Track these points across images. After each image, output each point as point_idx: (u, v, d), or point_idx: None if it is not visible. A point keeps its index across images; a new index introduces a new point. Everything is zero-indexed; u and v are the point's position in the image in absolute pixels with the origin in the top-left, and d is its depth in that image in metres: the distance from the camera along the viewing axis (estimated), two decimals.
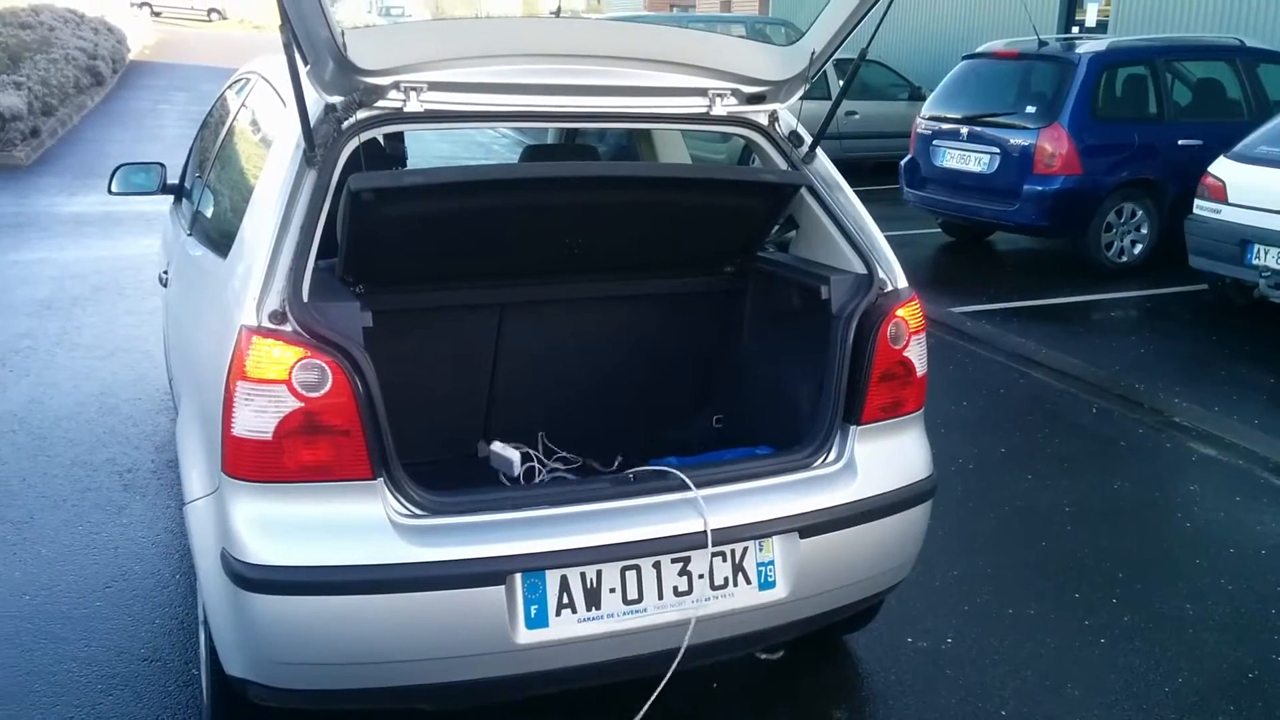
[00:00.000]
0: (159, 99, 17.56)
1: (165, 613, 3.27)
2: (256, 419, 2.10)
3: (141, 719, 2.77)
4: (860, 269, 2.70)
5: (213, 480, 2.26)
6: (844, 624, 2.97)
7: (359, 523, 2.14)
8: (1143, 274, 7.92)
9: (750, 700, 2.94)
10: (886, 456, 2.58)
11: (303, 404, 2.10)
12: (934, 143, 8.59)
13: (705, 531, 2.25)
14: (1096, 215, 7.80)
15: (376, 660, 2.18)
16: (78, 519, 3.84)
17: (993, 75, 8.63)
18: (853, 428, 2.54)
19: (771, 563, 2.39)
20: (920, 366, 2.66)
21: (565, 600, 2.22)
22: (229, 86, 3.99)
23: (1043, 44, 8.37)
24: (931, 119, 8.72)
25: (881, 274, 2.68)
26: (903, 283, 2.70)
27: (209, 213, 3.20)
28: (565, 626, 2.21)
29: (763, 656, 3.08)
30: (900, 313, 2.61)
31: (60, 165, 11.99)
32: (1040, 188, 7.69)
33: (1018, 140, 7.87)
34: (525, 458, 2.91)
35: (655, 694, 2.33)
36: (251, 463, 2.13)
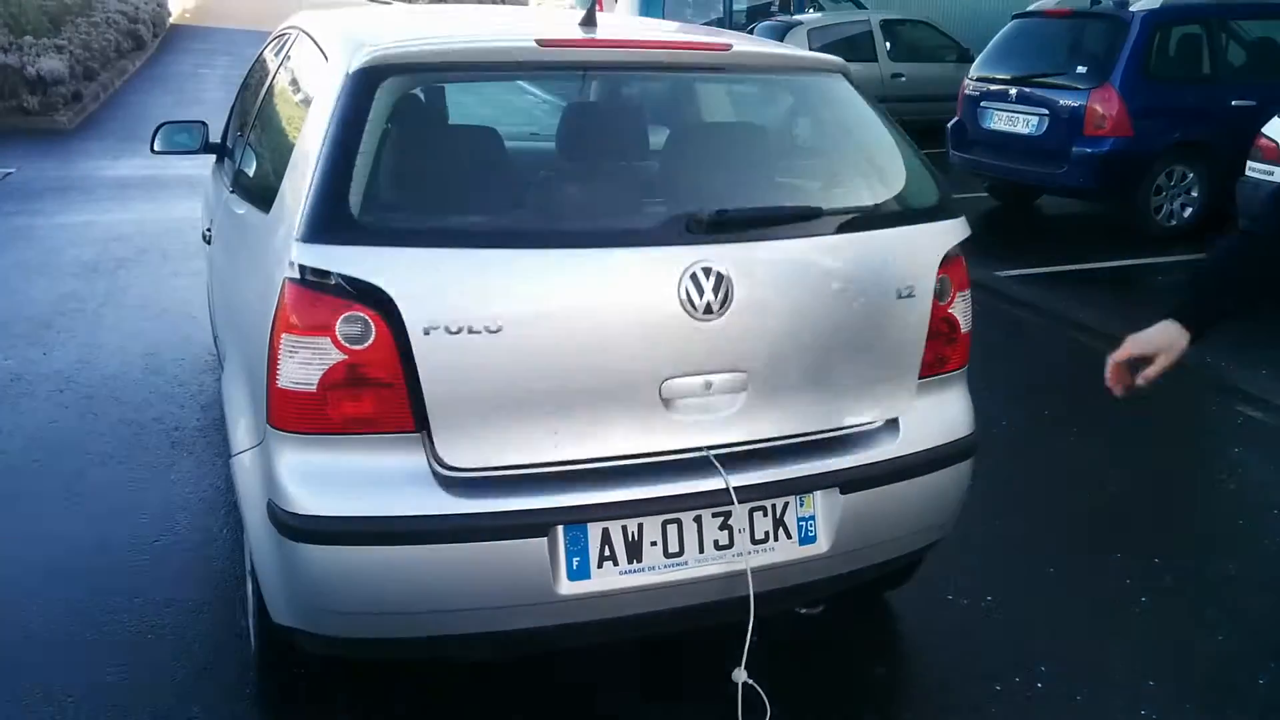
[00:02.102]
0: (200, 63, 17.66)
1: (212, 566, 3.31)
2: (301, 371, 2.10)
3: (189, 667, 2.81)
4: (939, 201, 2.63)
5: (258, 433, 2.27)
6: (884, 581, 2.96)
7: (402, 474, 2.13)
8: (1192, 238, 7.74)
9: (792, 655, 2.94)
10: (929, 413, 2.53)
11: (346, 356, 2.08)
12: (982, 104, 8.44)
13: (729, 489, 2.24)
14: (1146, 178, 7.64)
15: (419, 610, 2.20)
16: (126, 476, 3.90)
17: (1043, 35, 8.44)
18: (914, 379, 2.49)
19: (813, 518, 2.36)
20: (965, 324, 2.61)
21: (607, 553, 2.21)
22: (269, 43, 3.98)
23: (1095, 2, 8.17)
24: (980, 80, 8.56)
25: (958, 212, 2.63)
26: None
27: (251, 170, 3.18)
28: (607, 578, 2.21)
29: (803, 611, 3.04)
30: (946, 269, 2.53)
31: (103, 129, 12.12)
32: (1090, 150, 7.53)
33: (1067, 101, 7.70)
34: None
35: (748, 640, 2.29)
36: (296, 415, 2.13)
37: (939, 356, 2.55)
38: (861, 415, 2.45)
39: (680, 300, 2.19)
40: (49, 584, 3.18)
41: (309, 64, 2.91)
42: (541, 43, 2.42)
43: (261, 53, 4.09)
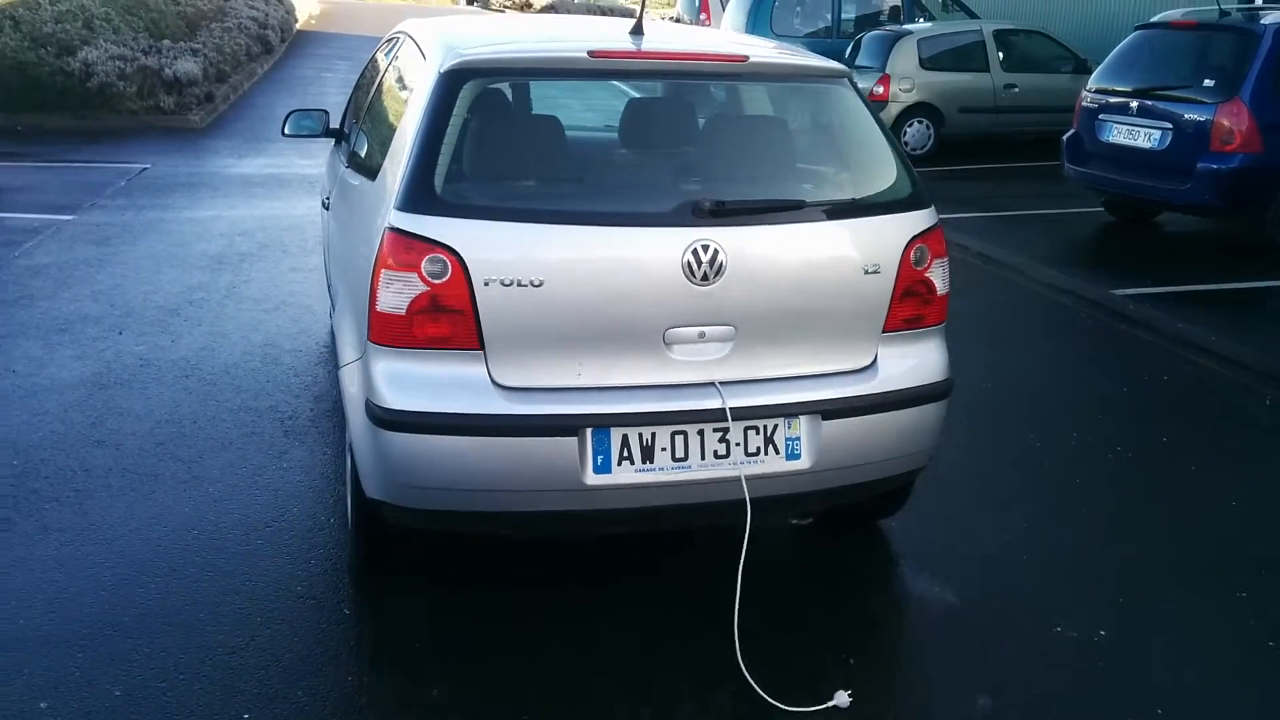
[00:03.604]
0: (323, 67, 18.26)
1: (320, 554, 3.43)
2: (394, 299, 2.69)
3: (295, 651, 2.92)
4: (914, 193, 3.11)
5: (360, 348, 2.87)
6: (875, 509, 3.52)
7: (468, 382, 2.71)
8: None
9: (892, 679, 2.89)
10: (906, 360, 3.04)
11: (429, 288, 2.67)
12: (1100, 117, 8.18)
13: (725, 409, 2.77)
14: (1276, 196, 7.30)
15: (477, 488, 2.76)
16: (242, 461, 4.06)
17: (1167, 47, 8.14)
18: (879, 335, 3.00)
19: (798, 438, 2.88)
20: (941, 286, 3.11)
21: (625, 454, 2.75)
22: (381, 45, 4.50)
23: (1224, 14, 7.85)
24: (1099, 92, 8.30)
25: (929, 203, 3.13)
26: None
27: (362, 151, 3.69)
28: (624, 474, 2.75)
29: (794, 522, 3.63)
30: (924, 239, 3.02)
31: (231, 129, 12.63)
32: (1216, 166, 7.24)
33: (1193, 115, 7.42)
34: None
35: (746, 537, 2.78)
36: (389, 333, 2.71)
37: (916, 314, 3.05)
38: (831, 363, 2.97)
39: (682, 269, 2.75)
40: (167, 563, 3.33)
41: (411, 63, 3.45)
42: (591, 53, 2.97)
43: (375, 53, 4.62)
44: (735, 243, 2.79)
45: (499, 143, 3.08)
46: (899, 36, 11.82)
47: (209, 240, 7.41)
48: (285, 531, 3.56)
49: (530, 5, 36.77)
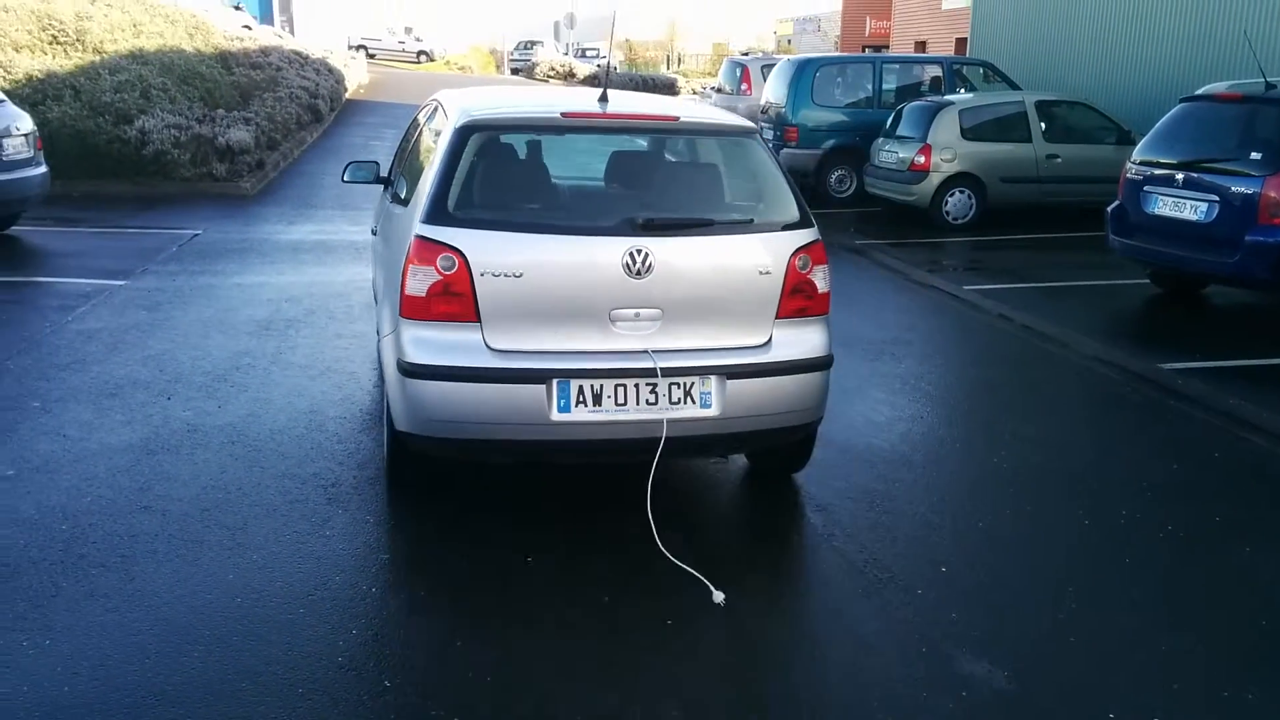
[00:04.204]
0: (370, 135, 18.67)
1: (362, 623, 3.43)
2: (418, 285, 3.79)
3: None
4: (801, 214, 4.17)
5: (394, 323, 3.96)
6: (786, 463, 4.63)
7: (469, 345, 3.80)
8: None
9: None
10: (794, 339, 4.07)
11: (441, 278, 3.77)
12: (1145, 189, 8.15)
13: (656, 369, 3.81)
14: None
15: (473, 421, 3.81)
16: (286, 528, 4.09)
17: (1213, 119, 8.13)
18: (773, 320, 4.03)
19: (709, 393, 3.91)
20: (822, 286, 4.12)
21: (580, 398, 3.80)
22: (421, 109, 5.59)
23: (1270, 86, 7.84)
24: (1143, 164, 8.28)
25: (813, 223, 4.18)
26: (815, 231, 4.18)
27: (402, 190, 4.68)
28: (580, 414, 3.80)
29: (713, 462, 4.83)
30: (806, 250, 4.07)
31: (281, 195, 12.91)
32: (1265, 239, 7.17)
33: (1240, 188, 7.37)
34: None
35: (654, 466, 3.87)
36: (413, 310, 3.82)
37: (801, 307, 4.07)
38: (736, 339, 3.99)
39: (622, 267, 3.81)
40: (211, 631, 3.35)
41: (438, 122, 4.59)
42: (563, 114, 4.14)
43: (416, 115, 5.72)
44: (661, 249, 3.86)
45: (494, 176, 4.18)
46: (940, 107, 11.90)
47: (257, 306, 7.55)
48: (327, 600, 3.56)
49: (573, 75, 37.49)
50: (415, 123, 5.55)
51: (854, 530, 4.23)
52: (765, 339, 4.01)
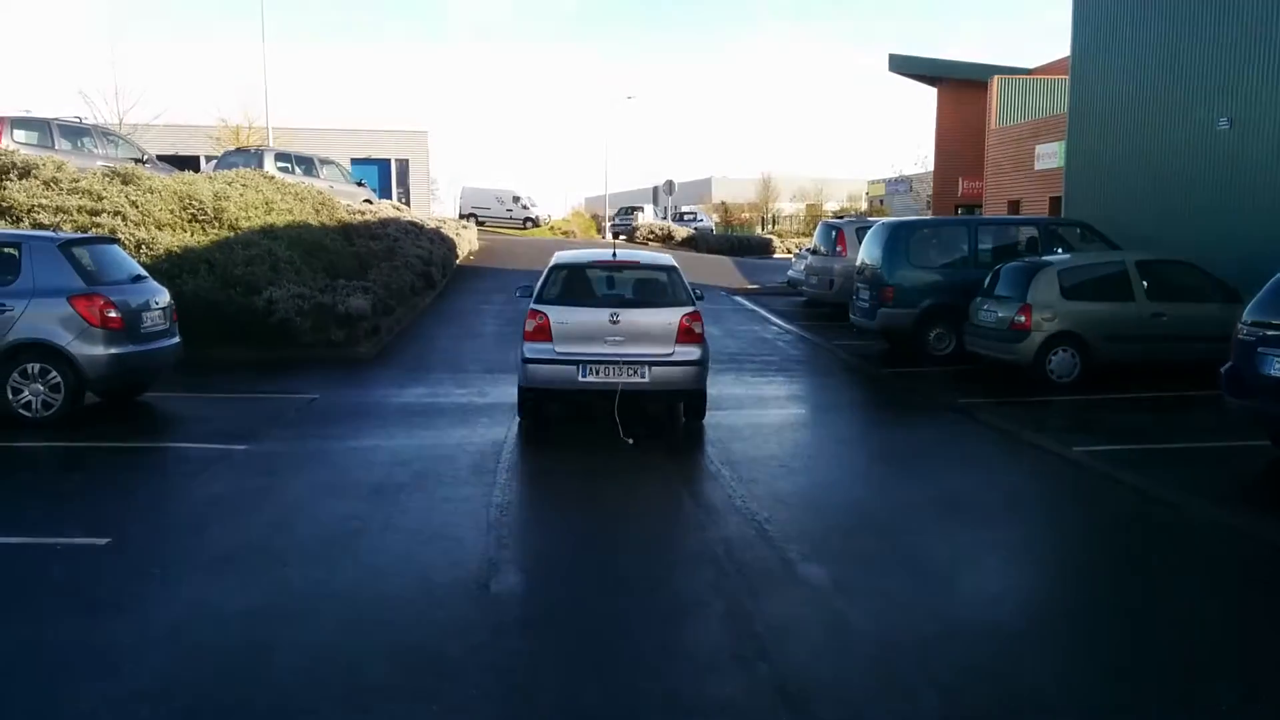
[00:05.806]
0: (480, 300, 19.46)
1: None
2: (530, 324, 9.28)
3: None
4: (689, 300, 9.58)
5: (520, 342, 9.50)
6: (688, 410, 9.98)
7: (548, 350, 9.20)
8: None
9: None
10: (683, 352, 9.25)
11: (540, 321, 9.25)
12: (1259, 350, 7.96)
13: (623, 363, 9.18)
14: None
15: (548, 380, 9.28)
16: (395, 705, 4.14)
17: None
18: (674, 342, 9.23)
19: (646, 373, 9.14)
20: (698, 330, 9.35)
21: (590, 372, 9.12)
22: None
23: None
24: (1255, 325, 8.11)
25: (695, 305, 9.56)
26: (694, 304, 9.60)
27: (528, 293, 10.19)
28: (590, 378, 9.14)
29: (650, 406, 10.11)
30: (690, 316, 9.36)
31: (395, 359, 13.48)
32: None
33: None
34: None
35: (617, 398, 9.13)
36: (528, 336, 9.27)
37: (686, 338, 9.26)
38: (659, 350, 9.19)
39: (608, 319, 9.24)
40: None
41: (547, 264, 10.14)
42: (592, 262, 10.01)
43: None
44: (626, 313, 9.26)
45: (559, 284, 9.52)
46: (1039, 268, 11.92)
47: (369, 469, 7.82)
48: None
49: (671, 238, 38.69)
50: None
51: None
52: (671, 350, 9.19)
